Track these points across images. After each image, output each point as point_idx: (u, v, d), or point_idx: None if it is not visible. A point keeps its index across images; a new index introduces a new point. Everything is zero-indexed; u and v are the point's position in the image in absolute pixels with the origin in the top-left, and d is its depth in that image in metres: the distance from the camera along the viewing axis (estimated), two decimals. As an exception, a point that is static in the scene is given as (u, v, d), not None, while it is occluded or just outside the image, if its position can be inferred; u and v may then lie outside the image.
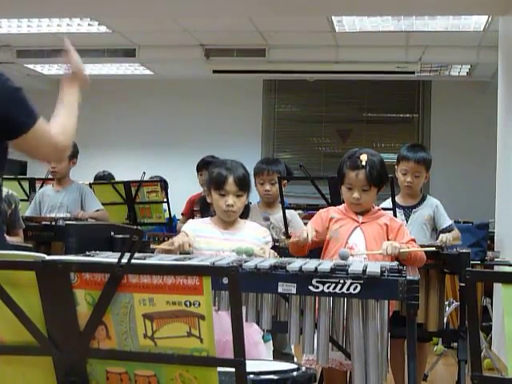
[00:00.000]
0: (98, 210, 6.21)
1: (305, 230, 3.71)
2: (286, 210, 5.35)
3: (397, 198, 4.98)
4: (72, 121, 2.80)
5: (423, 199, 5.05)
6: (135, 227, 2.62)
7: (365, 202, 3.88)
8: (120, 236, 4.76)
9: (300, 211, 5.89)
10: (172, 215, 7.23)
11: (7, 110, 2.53)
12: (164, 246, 3.79)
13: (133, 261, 1.70)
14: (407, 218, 4.98)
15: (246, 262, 3.04)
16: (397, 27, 8.27)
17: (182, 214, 7.08)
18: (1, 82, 2.57)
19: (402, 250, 3.61)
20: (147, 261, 2.63)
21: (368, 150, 3.95)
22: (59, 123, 2.75)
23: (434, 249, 3.66)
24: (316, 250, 3.91)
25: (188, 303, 1.67)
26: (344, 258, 3.38)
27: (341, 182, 3.94)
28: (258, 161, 5.89)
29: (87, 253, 3.23)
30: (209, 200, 3.94)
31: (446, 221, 5.01)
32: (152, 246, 3.84)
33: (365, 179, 3.82)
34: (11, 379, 1.84)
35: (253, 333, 3.60)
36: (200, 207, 6.88)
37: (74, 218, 5.74)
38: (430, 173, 5.10)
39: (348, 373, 3.76)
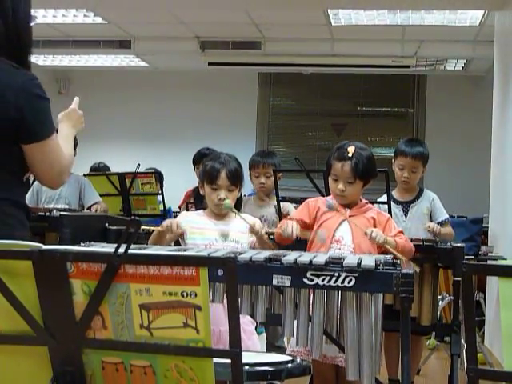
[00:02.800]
0: (97, 203, 6.21)
1: (289, 225, 3.70)
2: (281, 203, 5.36)
3: (394, 193, 4.98)
4: (71, 153, 2.84)
5: (420, 193, 5.05)
6: (132, 217, 2.61)
7: (349, 195, 3.86)
8: (114, 227, 4.77)
9: (294, 204, 5.88)
10: (167, 207, 7.23)
11: (24, 114, 2.50)
12: (155, 231, 3.81)
13: (130, 251, 1.70)
14: (405, 213, 4.98)
15: (240, 254, 3.04)
16: (393, 21, 8.26)
17: (179, 208, 7.10)
18: (30, 86, 2.54)
19: (386, 245, 3.61)
20: (144, 251, 2.63)
21: (357, 143, 3.93)
22: (67, 152, 2.76)
23: (417, 270, 3.64)
24: (303, 241, 3.91)
25: (184, 294, 1.68)
26: (330, 207, 3.62)
27: (328, 173, 3.94)
28: (253, 153, 5.89)
29: (81, 243, 3.23)
30: (202, 192, 3.96)
31: (441, 214, 5.01)
32: (142, 227, 3.86)
33: (350, 171, 3.80)
34: (6, 369, 1.84)
35: (245, 323, 3.62)
36: (194, 198, 6.89)
37: (70, 209, 5.72)
38: (425, 167, 5.10)
39: (337, 366, 3.77)
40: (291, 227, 3.66)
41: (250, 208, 5.48)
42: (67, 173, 2.77)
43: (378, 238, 3.60)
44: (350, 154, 3.80)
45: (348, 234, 3.80)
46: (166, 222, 3.71)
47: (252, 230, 3.71)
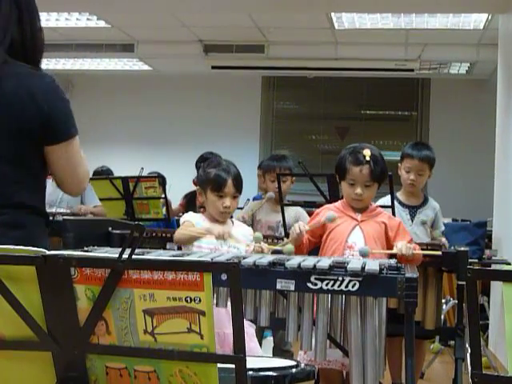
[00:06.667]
0: (96, 206, 6.20)
1: (296, 227, 3.71)
2: (294, 207, 5.37)
3: (399, 195, 5.00)
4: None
5: (426, 201, 5.06)
6: (136, 223, 2.60)
7: (366, 198, 3.87)
8: (118, 231, 4.77)
9: (300, 208, 5.87)
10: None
11: (51, 113, 2.49)
12: (193, 232, 3.80)
13: (133, 256, 1.70)
14: (412, 217, 4.98)
15: (244, 258, 3.04)
16: (396, 24, 8.26)
17: (180, 205, 7.12)
18: (54, 87, 2.56)
19: (415, 252, 3.62)
20: (147, 256, 2.63)
21: (368, 145, 3.94)
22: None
23: (439, 253, 3.68)
24: (315, 250, 3.91)
25: (189, 299, 1.67)
26: (364, 254, 3.45)
27: (342, 178, 3.93)
28: (268, 158, 5.91)
29: (85, 248, 3.23)
30: (201, 199, 3.97)
31: (441, 226, 5.10)
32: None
33: (369, 174, 3.81)
34: (10, 374, 1.84)
35: (245, 326, 3.61)
36: (187, 201, 6.89)
37: (73, 214, 5.72)
38: (429, 171, 5.11)
39: (344, 371, 3.76)
40: (298, 226, 3.67)
41: (266, 213, 5.48)
42: (87, 179, 2.71)
43: (407, 251, 3.61)
44: (367, 158, 3.81)
45: (360, 240, 3.79)
46: (219, 231, 3.78)
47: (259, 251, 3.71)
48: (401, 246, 3.63)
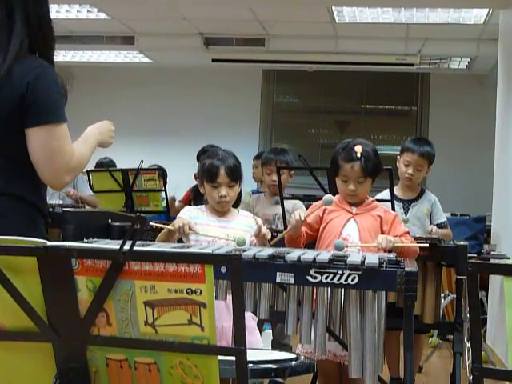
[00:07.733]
0: (89, 195, 6.21)
1: (296, 214, 3.68)
2: (290, 201, 5.35)
3: (395, 190, 4.98)
4: (84, 156, 2.71)
5: (422, 193, 5.06)
6: (138, 214, 2.60)
7: (360, 193, 3.87)
8: (117, 224, 4.77)
9: (298, 201, 5.88)
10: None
11: (27, 93, 2.46)
12: (165, 229, 3.77)
13: (135, 248, 1.70)
14: (406, 211, 4.99)
15: (244, 251, 3.04)
16: (397, 19, 8.25)
17: (180, 201, 7.12)
18: (40, 71, 2.51)
19: (396, 244, 3.60)
20: (148, 248, 2.63)
21: (361, 141, 3.94)
22: (79, 152, 2.65)
23: (427, 244, 3.65)
24: (312, 243, 3.91)
25: (190, 291, 1.68)
26: (339, 248, 3.34)
27: (335, 174, 3.93)
28: (266, 150, 5.91)
29: (85, 240, 3.23)
30: (201, 190, 3.95)
31: (440, 217, 5.06)
32: (151, 223, 3.83)
33: (360, 171, 3.81)
34: (10, 365, 1.84)
35: (247, 319, 3.60)
36: (193, 196, 6.90)
37: (73, 206, 5.72)
38: (428, 166, 5.10)
39: (342, 364, 3.77)
40: (298, 213, 3.65)
41: (263, 206, 5.49)
42: (71, 173, 2.61)
43: (388, 244, 3.57)
44: (358, 154, 3.80)
45: (355, 232, 3.80)
46: (178, 223, 3.67)
47: (257, 234, 3.69)
48: (381, 240, 3.57)
